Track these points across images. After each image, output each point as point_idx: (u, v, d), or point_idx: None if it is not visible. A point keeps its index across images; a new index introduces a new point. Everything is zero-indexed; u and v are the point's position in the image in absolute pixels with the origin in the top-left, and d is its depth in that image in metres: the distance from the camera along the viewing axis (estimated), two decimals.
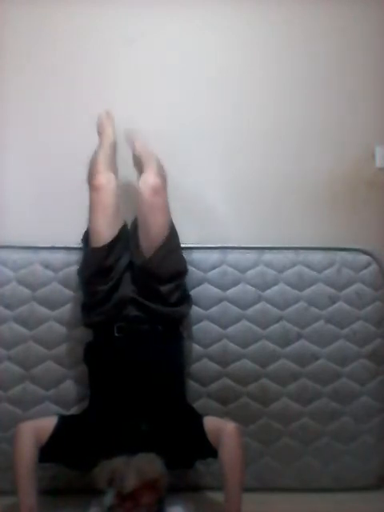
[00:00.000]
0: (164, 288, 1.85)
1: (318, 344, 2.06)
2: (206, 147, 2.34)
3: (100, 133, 2.14)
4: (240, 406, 1.99)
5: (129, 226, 2.01)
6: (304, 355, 2.05)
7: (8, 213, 2.25)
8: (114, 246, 1.86)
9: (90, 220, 1.89)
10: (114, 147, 2.10)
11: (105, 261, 1.84)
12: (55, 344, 2.01)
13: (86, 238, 1.92)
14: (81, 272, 1.95)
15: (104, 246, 1.84)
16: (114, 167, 2.01)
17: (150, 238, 1.86)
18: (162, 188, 1.88)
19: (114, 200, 1.89)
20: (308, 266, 2.15)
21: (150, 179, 1.88)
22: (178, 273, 1.90)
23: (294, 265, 2.15)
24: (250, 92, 2.37)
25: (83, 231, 1.97)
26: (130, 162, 2.15)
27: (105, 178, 1.89)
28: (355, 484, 1.96)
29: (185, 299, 1.95)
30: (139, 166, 2.06)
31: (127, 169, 2.12)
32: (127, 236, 1.95)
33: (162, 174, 1.93)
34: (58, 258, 2.10)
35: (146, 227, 1.87)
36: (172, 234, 1.89)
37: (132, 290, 1.86)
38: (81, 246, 1.99)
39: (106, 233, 1.86)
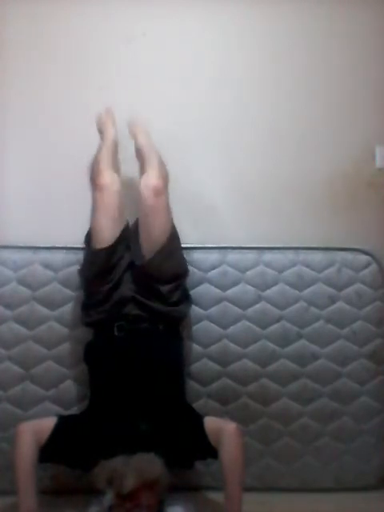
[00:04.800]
0: (164, 288, 1.85)
1: (318, 344, 2.06)
2: (206, 147, 2.34)
3: (101, 131, 2.14)
4: (240, 406, 1.99)
5: (130, 225, 2.00)
6: (304, 355, 2.05)
7: (8, 213, 2.25)
8: (116, 246, 1.86)
9: (93, 220, 1.89)
10: (115, 145, 2.09)
11: (107, 262, 1.84)
12: (55, 344, 2.01)
13: (89, 238, 1.91)
14: (82, 272, 1.95)
15: (106, 248, 1.84)
16: (116, 166, 2.02)
17: (151, 240, 1.86)
18: (163, 190, 1.88)
19: (117, 200, 1.89)
20: (308, 266, 2.15)
21: (151, 181, 1.88)
22: (178, 274, 1.91)
23: (293, 265, 2.15)
24: (250, 92, 2.37)
25: (84, 231, 1.95)
26: (132, 160, 2.12)
27: (109, 178, 1.90)
28: (355, 484, 1.96)
29: (185, 299, 1.95)
30: (141, 159, 2.05)
31: (129, 166, 2.12)
32: (129, 235, 1.95)
33: (163, 174, 1.92)
34: (58, 258, 2.11)
35: (148, 228, 1.88)
36: (173, 235, 1.89)
37: (132, 289, 1.86)
38: (83, 246, 1.97)
39: (108, 233, 1.86)
